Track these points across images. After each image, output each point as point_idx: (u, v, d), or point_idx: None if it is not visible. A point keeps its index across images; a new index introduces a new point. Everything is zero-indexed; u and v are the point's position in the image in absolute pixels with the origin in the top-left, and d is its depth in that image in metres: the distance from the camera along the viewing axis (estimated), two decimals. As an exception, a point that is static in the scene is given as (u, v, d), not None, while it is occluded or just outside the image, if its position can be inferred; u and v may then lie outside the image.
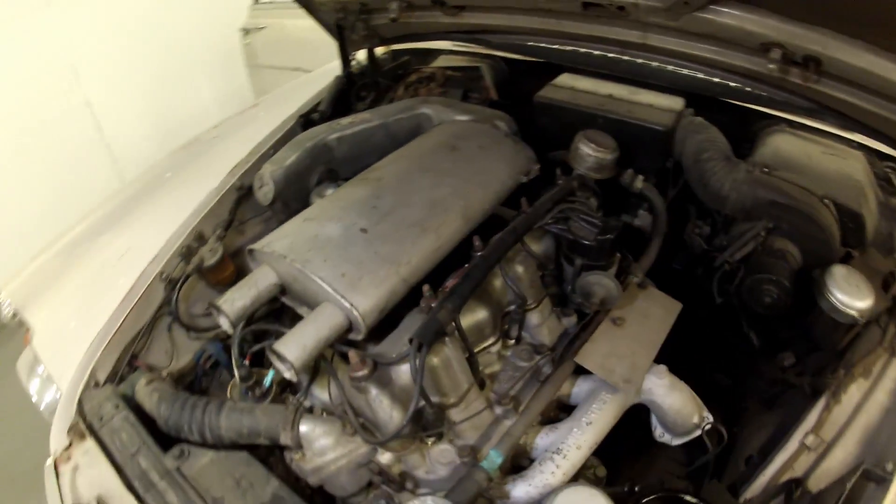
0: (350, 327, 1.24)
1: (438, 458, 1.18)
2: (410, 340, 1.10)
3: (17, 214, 3.86)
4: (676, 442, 1.45)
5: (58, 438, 1.34)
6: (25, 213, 3.88)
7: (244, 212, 1.94)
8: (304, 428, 1.18)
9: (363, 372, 1.12)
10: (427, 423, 1.16)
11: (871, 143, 1.70)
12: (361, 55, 2.43)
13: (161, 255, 1.70)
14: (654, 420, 1.47)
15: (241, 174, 1.95)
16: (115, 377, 1.48)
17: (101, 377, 1.47)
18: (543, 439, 1.25)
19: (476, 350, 1.35)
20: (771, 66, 1.44)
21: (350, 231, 1.37)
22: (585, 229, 1.43)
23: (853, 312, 1.39)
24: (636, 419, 1.46)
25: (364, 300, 1.22)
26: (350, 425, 1.16)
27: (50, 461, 1.29)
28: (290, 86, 2.66)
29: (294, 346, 1.16)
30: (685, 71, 1.77)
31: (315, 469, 1.18)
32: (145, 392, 1.36)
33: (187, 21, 4.57)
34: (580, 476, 1.37)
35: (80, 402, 1.39)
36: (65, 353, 1.52)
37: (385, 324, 1.31)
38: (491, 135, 1.77)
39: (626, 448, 1.56)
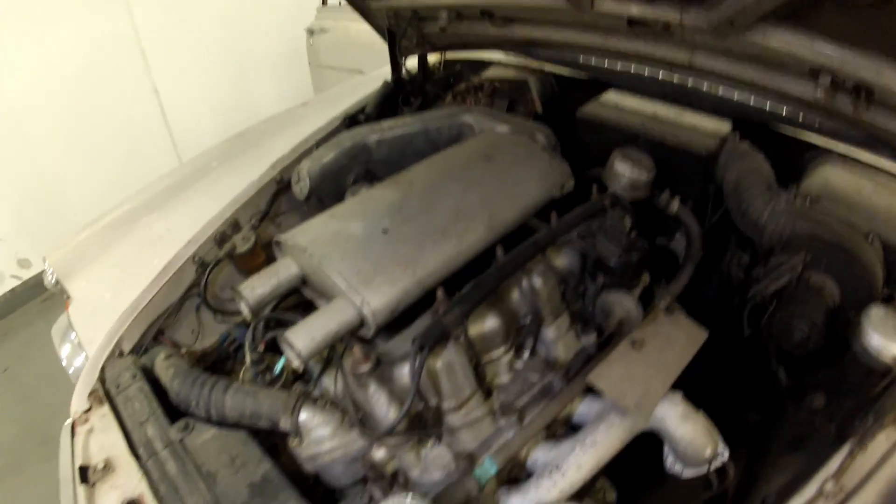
0: (361, 323, 1.25)
1: (434, 461, 1.17)
2: (413, 341, 1.10)
3: (80, 188, 4.11)
4: (688, 474, 1.39)
5: (79, 401, 1.40)
6: (87, 188, 4.12)
7: (281, 205, 2.00)
8: (303, 416, 1.20)
9: (366, 367, 1.12)
10: (425, 424, 1.16)
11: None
12: (414, 63, 2.47)
13: (196, 238, 1.76)
14: (666, 449, 1.42)
15: (281, 168, 2.00)
16: (140, 349, 1.55)
17: (126, 348, 1.53)
18: (544, 454, 1.23)
19: (485, 359, 1.34)
20: (819, 92, 1.38)
21: (372, 230, 1.39)
22: (609, 248, 1.41)
23: (887, 358, 1.31)
24: (657, 447, 1.42)
25: (376, 297, 1.23)
26: (349, 418, 1.17)
27: (69, 422, 1.35)
28: (342, 87, 2.73)
29: (304, 336, 1.18)
30: (734, 95, 1.73)
31: (311, 457, 1.20)
32: (163, 366, 1.41)
33: (257, 18, 4.77)
34: (587, 497, 1.35)
35: (102, 370, 1.46)
36: (96, 322, 1.59)
37: (400, 324, 1.32)
38: (527, 147, 1.76)
39: (643, 476, 1.52)
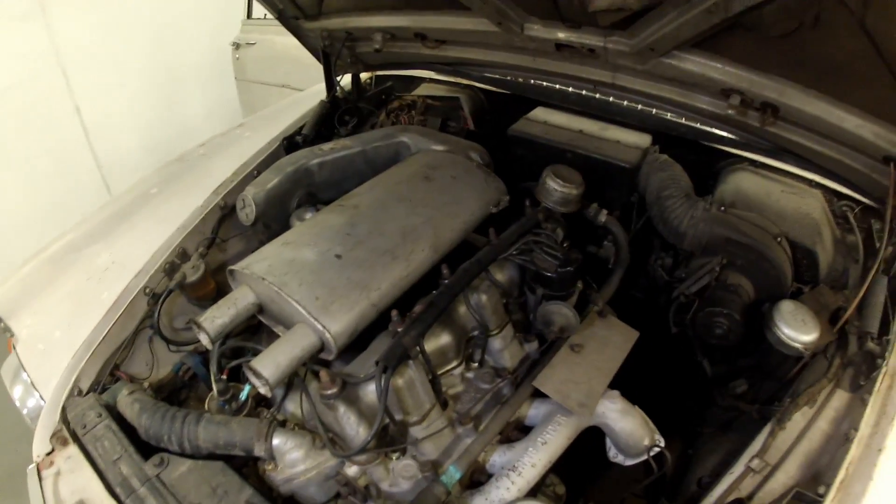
0: (322, 347, 1.32)
1: (402, 473, 1.26)
2: (377, 363, 1.18)
3: (4, 219, 3.91)
4: (629, 462, 1.53)
5: (41, 444, 1.40)
6: (12, 218, 3.92)
7: (226, 230, 2.02)
8: (276, 441, 1.26)
9: (333, 390, 1.19)
10: (391, 439, 1.24)
11: (829, 182, 1.79)
12: (348, 80, 2.53)
13: (145, 269, 1.77)
14: (608, 442, 1.56)
15: (224, 194, 2.03)
16: (98, 386, 1.55)
17: (84, 386, 1.53)
18: (501, 457, 1.33)
19: (440, 372, 1.43)
20: (730, 110, 1.55)
21: (325, 256, 1.45)
22: (547, 261, 1.53)
23: (798, 346, 1.48)
24: (598, 440, 1.54)
25: (335, 323, 1.30)
26: (320, 439, 1.24)
27: (32, 466, 1.35)
28: (277, 107, 2.75)
29: (270, 364, 1.24)
30: (653, 111, 1.88)
31: (286, 479, 1.26)
32: (127, 402, 1.43)
33: (182, 32, 4.66)
34: (539, 493, 1.46)
35: (63, 410, 1.46)
36: (49, 361, 1.58)
37: (356, 344, 1.40)
38: (464, 166, 1.86)
39: (587, 467, 1.65)
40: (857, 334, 1.48)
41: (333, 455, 1.18)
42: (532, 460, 1.30)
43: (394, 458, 1.30)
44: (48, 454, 1.36)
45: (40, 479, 1.30)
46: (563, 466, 1.51)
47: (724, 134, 1.79)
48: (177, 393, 1.75)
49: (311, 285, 1.36)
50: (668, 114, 1.87)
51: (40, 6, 3.83)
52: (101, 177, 4.33)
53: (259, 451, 1.24)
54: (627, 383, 1.52)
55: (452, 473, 1.20)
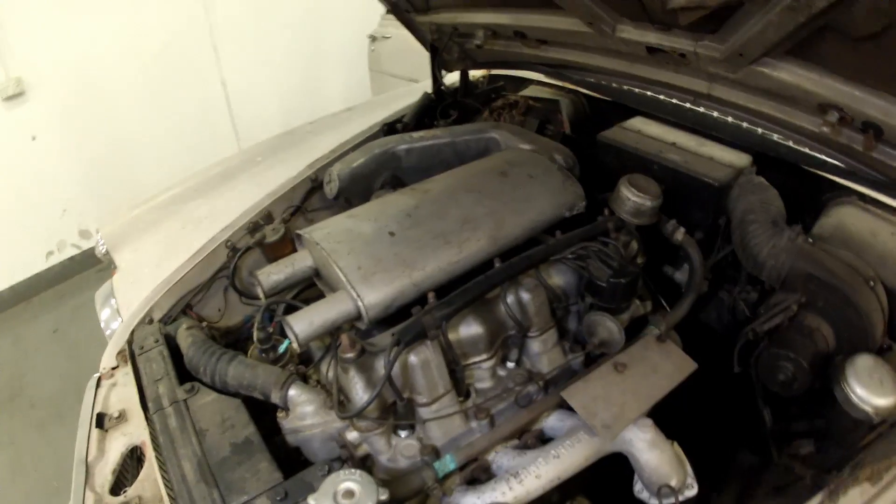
0: (358, 316, 1.37)
1: (403, 451, 1.27)
2: (392, 335, 1.20)
3: (144, 169, 4.44)
4: (654, 502, 1.40)
5: (108, 359, 1.60)
6: (151, 170, 4.44)
7: (313, 202, 2.14)
8: (292, 392, 1.32)
9: (350, 354, 1.23)
10: (398, 414, 1.26)
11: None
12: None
13: (231, 224, 1.93)
14: (636, 476, 1.45)
15: (317, 168, 2.15)
16: (167, 319, 1.73)
17: (157, 317, 1.72)
18: (508, 460, 1.28)
19: (467, 362, 1.42)
20: (825, 127, 1.39)
21: (380, 232, 1.50)
22: (601, 269, 1.46)
23: (868, 409, 1.29)
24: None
25: (372, 294, 1.34)
26: (331, 399, 1.29)
27: (96, 375, 1.54)
28: (389, 94, 2.87)
29: (303, 321, 1.30)
30: (759, 130, 1.74)
31: (293, 430, 1.32)
32: (183, 334, 1.59)
33: (326, 22, 5.00)
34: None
35: (132, 333, 1.64)
36: (135, 292, 1.78)
37: (398, 320, 1.43)
38: (544, 166, 1.83)
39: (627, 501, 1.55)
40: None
41: (337, 416, 1.22)
42: (538, 471, 1.23)
43: (401, 435, 1.31)
44: (112, 368, 1.54)
45: (98, 387, 1.47)
46: (598, 492, 1.44)
47: (829, 160, 1.61)
48: (243, 343, 1.89)
49: (358, 255, 1.41)
50: (775, 135, 1.72)
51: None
52: (238, 147, 4.78)
53: (275, 398, 1.31)
54: (682, 419, 1.40)
55: (447, 462, 1.19)
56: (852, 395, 1.31)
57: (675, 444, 1.35)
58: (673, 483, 1.30)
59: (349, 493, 1.00)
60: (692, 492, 1.32)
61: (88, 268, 4.53)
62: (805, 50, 1.31)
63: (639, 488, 1.41)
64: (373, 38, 4.79)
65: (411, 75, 4.24)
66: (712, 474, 1.42)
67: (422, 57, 2.53)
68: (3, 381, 3.71)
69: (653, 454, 1.31)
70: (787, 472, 1.51)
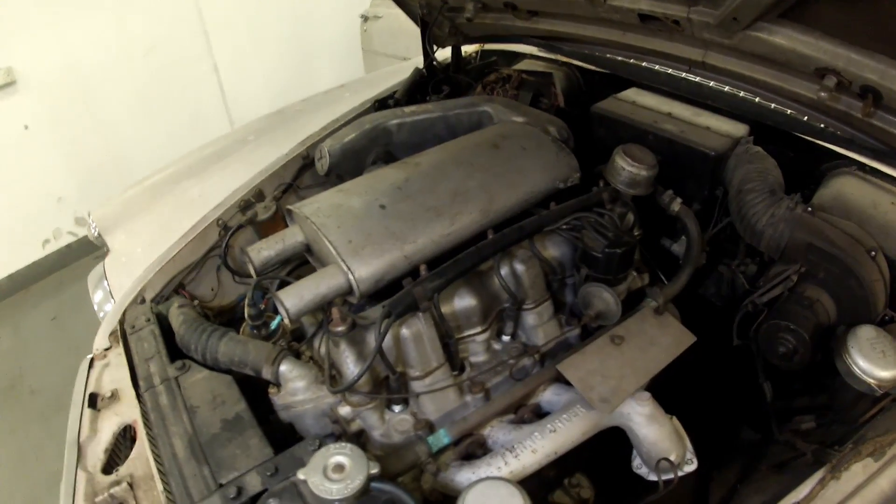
0: (350, 290, 1.35)
1: (396, 426, 1.26)
2: (383, 307, 1.18)
3: (140, 158, 4.39)
4: (652, 478, 1.36)
5: (101, 340, 1.58)
6: (146, 159, 4.34)
7: (305, 179, 2.12)
8: (283, 367, 1.31)
9: (341, 328, 1.22)
10: (391, 389, 1.24)
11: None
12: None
13: (223, 203, 1.91)
14: (634, 450, 1.43)
15: (309, 145, 2.12)
16: (159, 298, 1.71)
17: (148, 297, 1.70)
18: (505, 435, 1.27)
19: (461, 335, 1.40)
20: (823, 92, 1.35)
21: (370, 206, 1.47)
22: (596, 240, 1.44)
23: (871, 381, 1.27)
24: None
25: (363, 267, 1.32)
26: (322, 374, 1.27)
27: (89, 356, 1.52)
28: (380, 72, 2.83)
29: (294, 296, 1.28)
30: (742, 94, 1.71)
31: (285, 406, 1.31)
32: (175, 313, 1.57)
33: (317, 3, 4.94)
34: (559, 489, 1.37)
35: (124, 313, 1.62)
36: (127, 273, 1.76)
37: (391, 295, 1.41)
38: (537, 138, 1.80)
39: (627, 480, 1.52)
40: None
41: (329, 390, 1.20)
42: (534, 445, 1.22)
43: (395, 410, 1.30)
44: (105, 349, 1.52)
45: (90, 367, 1.46)
46: (597, 470, 1.42)
47: (825, 127, 1.58)
48: (237, 322, 1.87)
49: (348, 229, 1.39)
50: (772, 104, 1.68)
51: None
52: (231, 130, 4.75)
53: (266, 373, 1.30)
54: (676, 393, 1.37)
55: (441, 437, 1.17)
56: (854, 367, 1.29)
57: (675, 418, 1.33)
58: (672, 458, 1.27)
59: (339, 467, 0.99)
60: (691, 467, 1.30)
61: (86, 255, 4.51)
62: (800, 12, 1.28)
63: (637, 464, 1.38)
64: (364, 18, 4.74)
65: (404, 55, 4.20)
66: (712, 450, 1.40)
67: (414, 36, 2.50)
68: (3, 370, 3.71)
69: (651, 428, 1.29)
70: (788, 447, 1.48)
